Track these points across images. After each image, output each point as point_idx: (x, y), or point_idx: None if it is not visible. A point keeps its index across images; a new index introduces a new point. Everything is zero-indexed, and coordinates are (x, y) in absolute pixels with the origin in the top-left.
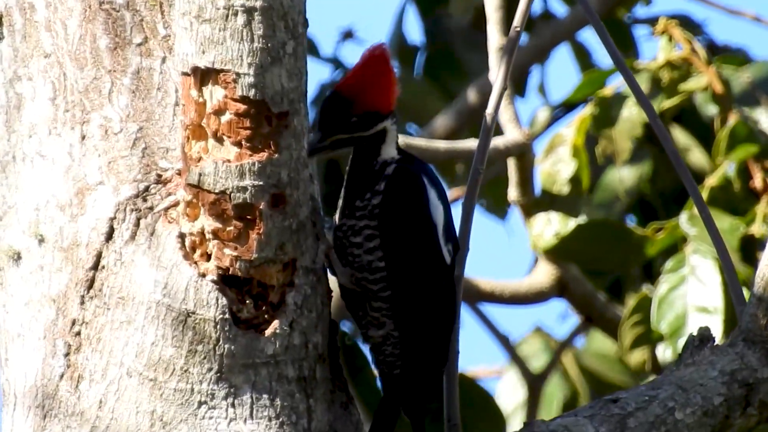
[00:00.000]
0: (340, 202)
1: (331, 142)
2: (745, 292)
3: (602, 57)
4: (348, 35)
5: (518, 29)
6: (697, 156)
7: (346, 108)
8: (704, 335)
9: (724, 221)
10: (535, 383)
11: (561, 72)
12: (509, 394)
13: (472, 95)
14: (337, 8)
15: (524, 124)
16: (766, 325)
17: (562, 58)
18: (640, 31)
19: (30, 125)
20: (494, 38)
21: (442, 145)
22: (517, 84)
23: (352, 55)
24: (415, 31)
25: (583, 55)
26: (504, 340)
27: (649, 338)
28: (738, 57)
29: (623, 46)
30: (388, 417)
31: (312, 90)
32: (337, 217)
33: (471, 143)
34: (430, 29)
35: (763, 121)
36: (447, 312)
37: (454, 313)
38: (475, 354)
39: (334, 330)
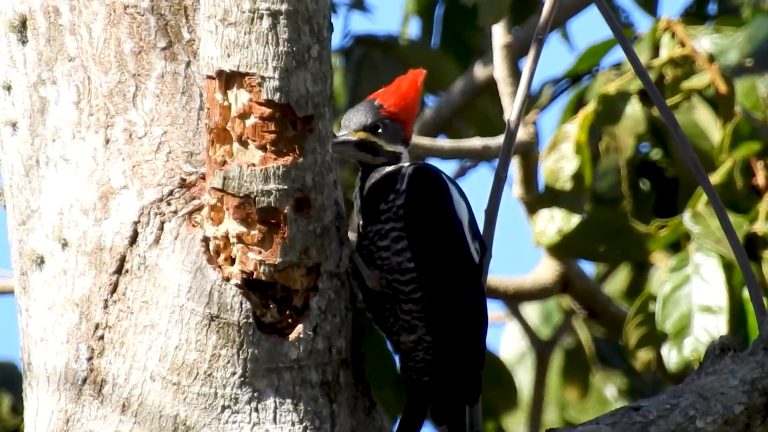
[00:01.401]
0: (358, 213)
1: (357, 139)
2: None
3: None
4: (358, 4)
5: (541, 37)
6: (703, 113)
7: (375, 109)
8: (725, 344)
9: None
10: (543, 349)
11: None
12: (512, 346)
13: (480, 69)
14: None
15: (536, 83)
16: None
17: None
18: None
19: (54, 129)
20: (499, 36)
21: (446, 144)
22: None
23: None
24: None
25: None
26: (513, 308)
27: (654, 338)
28: (737, 18)
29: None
30: (414, 424)
31: None
32: (359, 225)
33: (475, 142)
34: None
35: (761, 88)
36: (479, 312)
37: (485, 314)
38: None
39: (358, 335)
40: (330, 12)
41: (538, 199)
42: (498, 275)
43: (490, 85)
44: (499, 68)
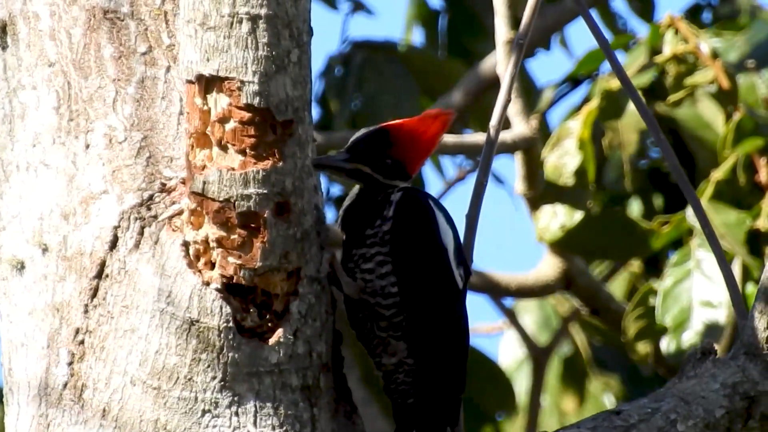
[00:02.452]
0: (340, 225)
1: (352, 168)
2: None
3: (633, 21)
4: (358, 6)
5: (522, 41)
6: (707, 106)
7: (384, 148)
8: (706, 348)
9: (730, 215)
10: (540, 355)
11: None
12: (510, 354)
13: (487, 65)
14: None
15: (541, 84)
16: None
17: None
18: None
19: (34, 134)
20: (502, 32)
21: (450, 139)
22: (542, 39)
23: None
24: None
25: (607, 16)
26: (510, 314)
27: (652, 331)
28: (735, 23)
29: (644, 5)
30: None
31: (320, 63)
32: (340, 251)
33: (479, 137)
34: None
35: (760, 83)
36: (461, 336)
37: (467, 337)
38: (474, 312)
39: (338, 339)
40: (310, 16)
41: (541, 195)
42: (500, 272)
43: (494, 83)
44: (501, 64)
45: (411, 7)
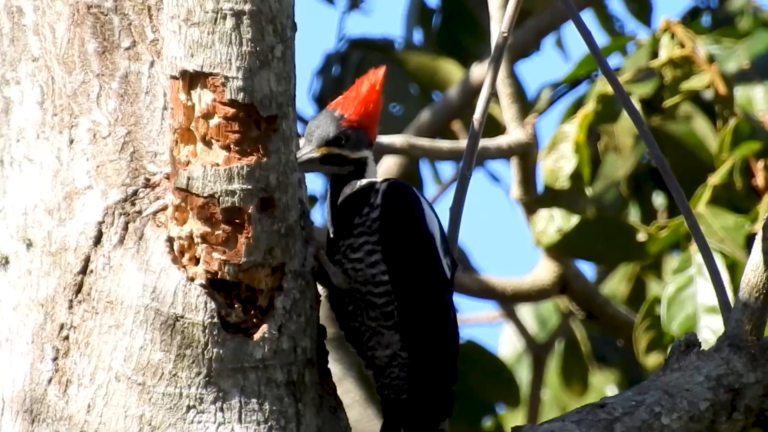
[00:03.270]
0: (329, 223)
1: (321, 154)
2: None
3: (628, 22)
4: (355, 4)
5: (505, 35)
6: (701, 125)
7: (336, 121)
8: (690, 340)
9: (728, 219)
10: (540, 351)
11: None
12: (510, 346)
13: (483, 66)
14: None
15: (535, 87)
16: (752, 330)
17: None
18: None
19: (18, 129)
20: (497, 34)
21: (445, 144)
22: (530, 48)
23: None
24: None
25: (604, 17)
26: (510, 312)
27: (663, 341)
28: (735, 29)
29: (641, 7)
30: None
31: (319, 61)
32: (329, 234)
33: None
34: None
35: (758, 97)
36: (451, 327)
37: (456, 329)
38: (473, 304)
39: (323, 334)
40: (293, 12)
41: (537, 199)
42: (496, 276)
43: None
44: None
45: (409, 6)
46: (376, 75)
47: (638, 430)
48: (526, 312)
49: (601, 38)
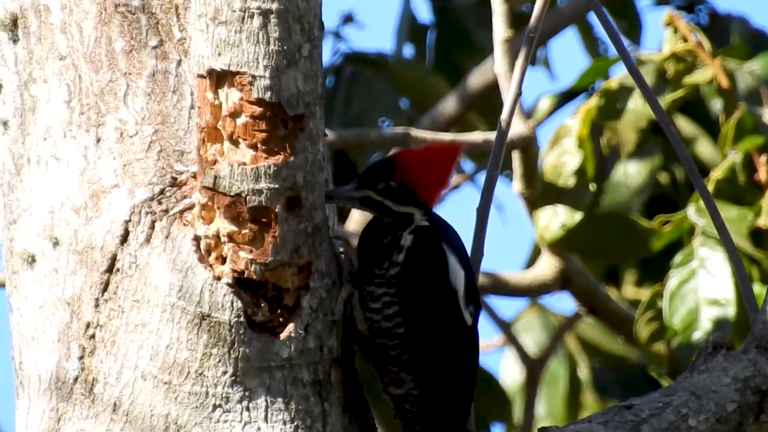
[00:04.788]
0: (357, 263)
1: (361, 196)
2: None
3: (608, 40)
4: (348, 19)
5: (533, 35)
6: (704, 147)
7: (389, 171)
8: (717, 342)
9: (731, 212)
10: (534, 366)
11: (568, 49)
12: (511, 373)
13: (475, 79)
14: None
15: (530, 101)
16: None
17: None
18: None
19: (45, 128)
20: (500, 30)
21: (447, 137)
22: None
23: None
24: (423, 11)
25: (589, 38)
26: (504, 326)
27: (664, 334)
28: (741, 47)
29: (630, 25)
30: None
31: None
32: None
33: (476, 136)
34: (438, 7)
35: (766, 115)
36: (468, 372)
37: (475, 371)
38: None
39: (349, 333)
40: (321, 10)
41: (541, 195)
42: (496, 271)
43: (482, 96)
44: (499, 63)
45: (399, 21)
46: (452, 152)
47: (665, 431)
48: (528, 336)
49: (584, 60)
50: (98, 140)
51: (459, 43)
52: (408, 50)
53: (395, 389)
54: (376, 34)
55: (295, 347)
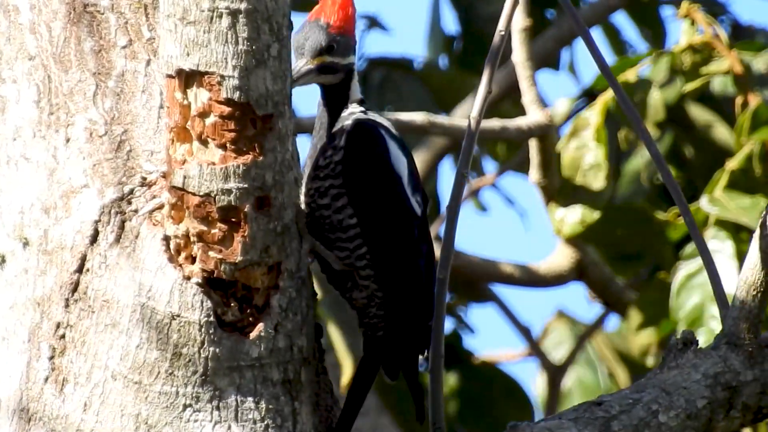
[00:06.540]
0: (307, 166)
1: (317, 65)
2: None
3: (635, 39)
4: (374, 24)
5: (502, 32)
6: (720, 132)
7: (324, 30)
8: (687, 338)
9: (744, 200)
10: (555, 374)
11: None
12: (538, 382)
13: (498, 75)
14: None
15: (554, 99)
16: (749, 328)
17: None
18: (666, 12)
19: (14, 128)
20: (518, 20)
21: (464, 123)
22: (550, 58)
23: (378, 44)
24: (450, 22)
25: (614, 37)
26: (525, 332)
27: (657, 319)
28: (757, 42)
29: (650, 26)
30: (366, 377)
31: None
32: (303, 182)
33: (494, 123)
34: (463, 17)
35: None
36: (425, 262)
37: (431, 264)
38: (497, 338)
39: (319, 333)
40: (289, 11)
41: (559, 191)
42: (511, 261)
43: (510, 89)
44: (517, 52)
45: (428, 32)
46: None
47: (635, 428)
48: (557, 352)
49: (640, 44)
50: (68, 140)
51: (483, 52)
52: (443, 62)
53: (359, 293)
54: (394, 37)
55: (265, 347)
